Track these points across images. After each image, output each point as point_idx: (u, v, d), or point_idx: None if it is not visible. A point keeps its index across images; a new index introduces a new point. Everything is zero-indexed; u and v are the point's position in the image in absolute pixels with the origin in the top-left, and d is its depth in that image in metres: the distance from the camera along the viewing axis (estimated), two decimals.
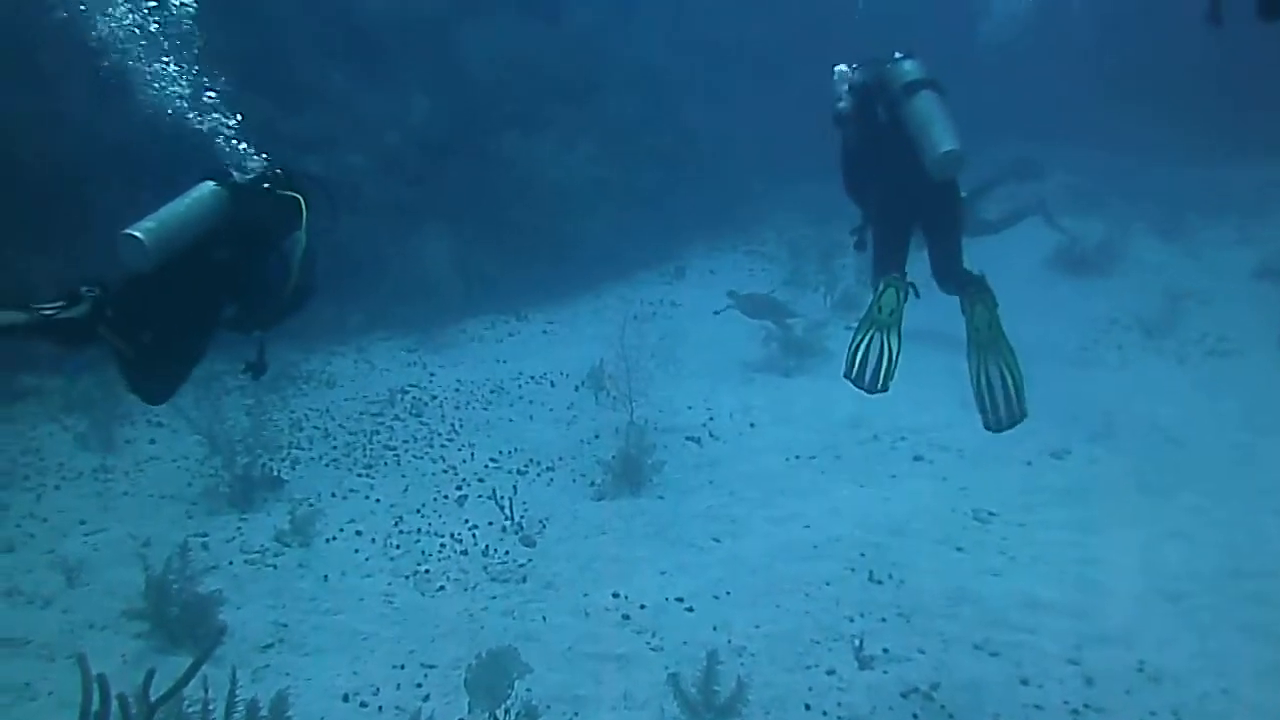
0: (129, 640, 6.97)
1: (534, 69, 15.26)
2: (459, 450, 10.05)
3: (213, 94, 5.79)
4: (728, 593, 7.68)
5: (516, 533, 8.53)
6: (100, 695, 5.14)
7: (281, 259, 5.47)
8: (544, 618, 7.40)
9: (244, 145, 5.72)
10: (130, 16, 5.84)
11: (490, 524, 8.65)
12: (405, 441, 10.22)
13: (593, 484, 9.42)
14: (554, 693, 6.54)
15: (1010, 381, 5.83)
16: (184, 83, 5.79)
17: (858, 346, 5.82)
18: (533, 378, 11.87)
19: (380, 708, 6.45)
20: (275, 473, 9.34)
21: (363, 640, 7.12)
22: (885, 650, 6.95)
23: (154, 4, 5.89)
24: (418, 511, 8.87)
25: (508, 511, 8.73)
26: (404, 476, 9.52)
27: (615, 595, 7.62)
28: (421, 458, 9.91)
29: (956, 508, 8.92)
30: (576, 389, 11.50)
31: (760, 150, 17.45)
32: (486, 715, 6.26)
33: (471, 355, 12.74)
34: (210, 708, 5.61)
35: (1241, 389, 11.19)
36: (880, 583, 7.80)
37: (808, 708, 6.45)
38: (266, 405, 10.57)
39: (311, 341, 12.09)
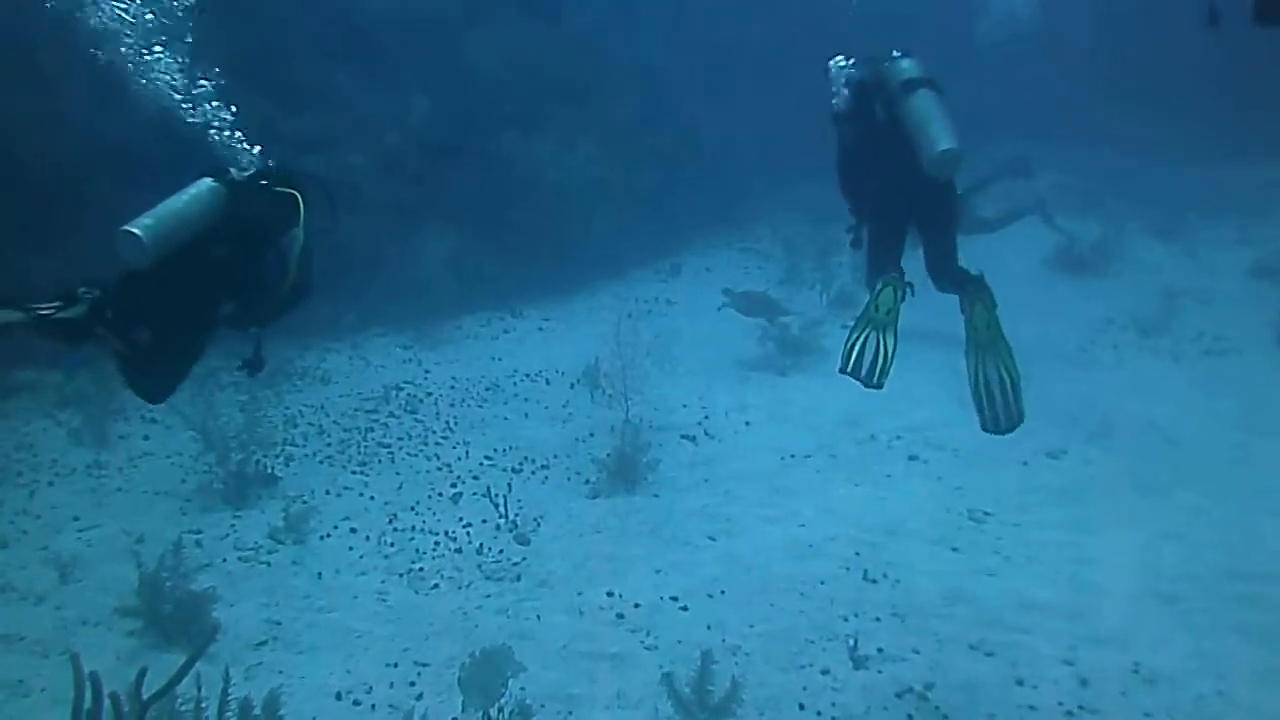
0: (122, 637, 6.96)
1: (534, 69, 15.22)
2: (454, 448, 10.03)
3: (205, 82, 5.77)
4: (722, 592, 7.67)
5: (511, 531, 8.52)
6: (93, 693, 5.13)
7: (279, 256, 5.47)
8: (538, 616, 7.38)
9: (239, 135, 5.71)
10: (124, 6, 5.82)
11: (485, 522, 8.64)
12: (400, 439, 10.20)
13: (587, 482, 9.40)
14: (548, 691, 6.53)
15: (1008, 382, 5.83)
16: (177, 75, 5.77)
17: (854, 344, 5.81)
18: (528, 375, 11.86)
19: (373, 706, 6.43)
20: (269, 469, 9.31)
21: (356, 638, 7.10)
22: (880, 650, 6.95)
23: None
24: (412, 509, 8.86)
25: (502, 509, 8.72)
26: (398, 474, 9.51)
27: (610, 594, 7.61)
28: (416, 455, 9.89)
29: (952, 507, 8.91)
30: (572, 387, 11.48)
31: (759, 150, 17.43)
32: (480, 714, 6.24)
33: (467, 352, 12.71)
34: (203, 706, 5.58)
35: (1238, 388, 11.18)
36: (875, 582, 7.79)
37: (802, 707, 6.44)
38: (261, 401, 10.55)
39: (307, 338, 12.06)
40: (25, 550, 7.99)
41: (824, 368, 11.39)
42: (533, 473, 9.60)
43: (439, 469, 9.60)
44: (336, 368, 12.00)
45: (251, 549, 8.20)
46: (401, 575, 7.91)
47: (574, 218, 14.50)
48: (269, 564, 8.03)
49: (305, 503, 8.82)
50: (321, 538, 8.39)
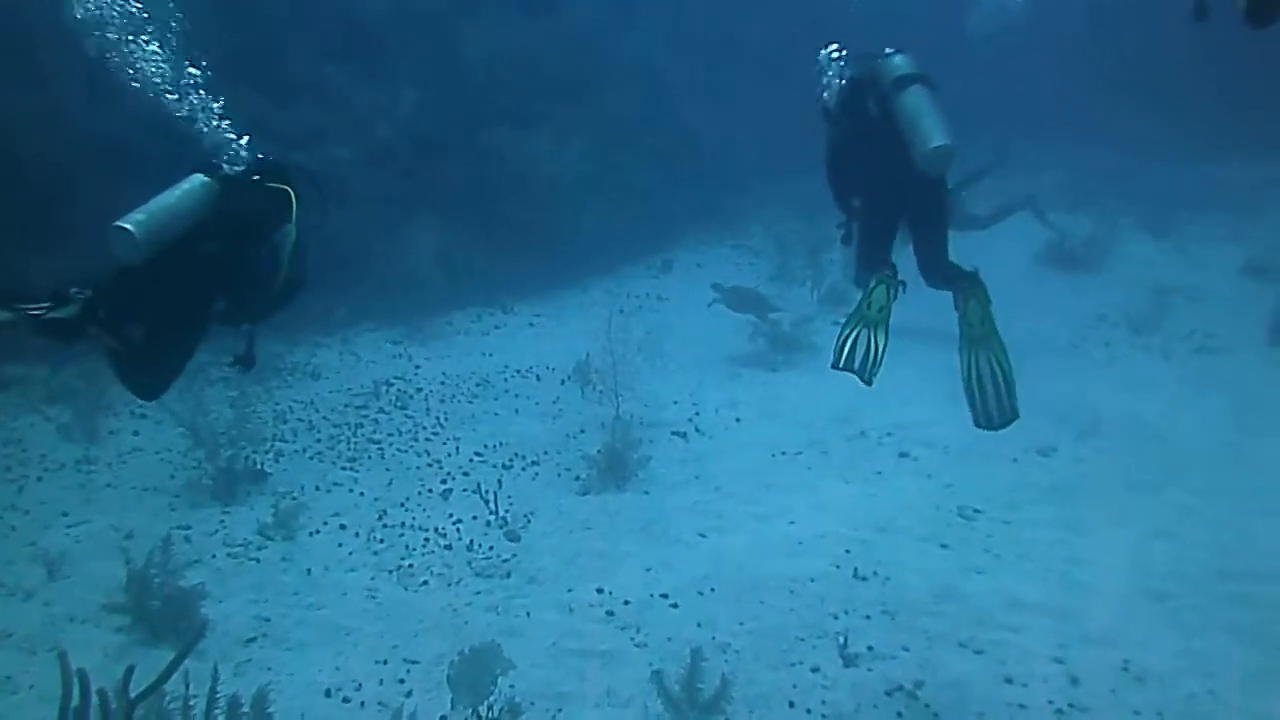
0: (110, 634, 6.93)
1: (528, 63, 15.18)
2: (444, 444, 10.00)
3: (194, 70, 5.75)
4: (712, 589, 7.66)
5: (501, 527, 8.50)
6: (80, 690, 5.10)
7: (272, 252, 5.47)
8: (528, 613, 7.37)
9: (227, 124, 5.69)
10: None
11: (475, 518, 8.62)
12: (390, 434, 10.18)
13: (578, 479, 9.38)
14: (537, 689, 6.51)
15: (1001, 377, 5.84)
16: (165, 65, 5.74)
17: (844, 341, 5.82)
18: (519, 371, 11.84)
19: (362, 703, 6.41)
20: (259, 465, 9.28)
21: (345, 635, 7.08)
22: (870, 648, 6.94)
23: None
24: (402, 505, 8.83)
25: (492, 506, 8.70)
26: (388, 470, 9.48)
27: (599, 591, 7.60)
28: (406, 451, 9.86)
29: (942, 505, 8.91)
30: (562, 383, 11.47)
31: (753, 147, 17.41)
32: (469, 712, 6.23)
33: (457, 348, 12.68)
34: (191, 703, 5.56)
35: (1229, 387, 11.17)
36: (865, 580, 7.79)
37: (792, 705, 6.43)
38: (250, 397, 10.51)
39: (296, 333, 12.01)
40: (13, 546, 7.95)
41: (815, 364, 11.40)
42: (523, 469, 9.59)
43: (429, 465, 9.58)
44: (326, 363, 11.97)
45: (241, 545, 8.17)
46: (391, 572, 7.89)
47: (565, 213, 14.50)
48: (258, 560, 8.00)
49: (295, 499, 8.80)
50: (311, 534, 8.37)
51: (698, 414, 10.77)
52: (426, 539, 8.33)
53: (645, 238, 15.63)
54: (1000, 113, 16.27)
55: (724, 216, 17.27)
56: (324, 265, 5.94)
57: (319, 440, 10.02)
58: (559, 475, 9.50)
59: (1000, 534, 8.46)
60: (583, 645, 7.01)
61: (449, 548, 8.22)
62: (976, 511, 8.78)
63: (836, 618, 7.29)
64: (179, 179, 5.17)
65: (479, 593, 7.64)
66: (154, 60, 5.74)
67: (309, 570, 7.87)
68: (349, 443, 9.97)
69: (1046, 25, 17.30)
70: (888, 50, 6.05)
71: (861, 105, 6.12)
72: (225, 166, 5.52)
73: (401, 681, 6.60)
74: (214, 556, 8.01)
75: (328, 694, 6.47)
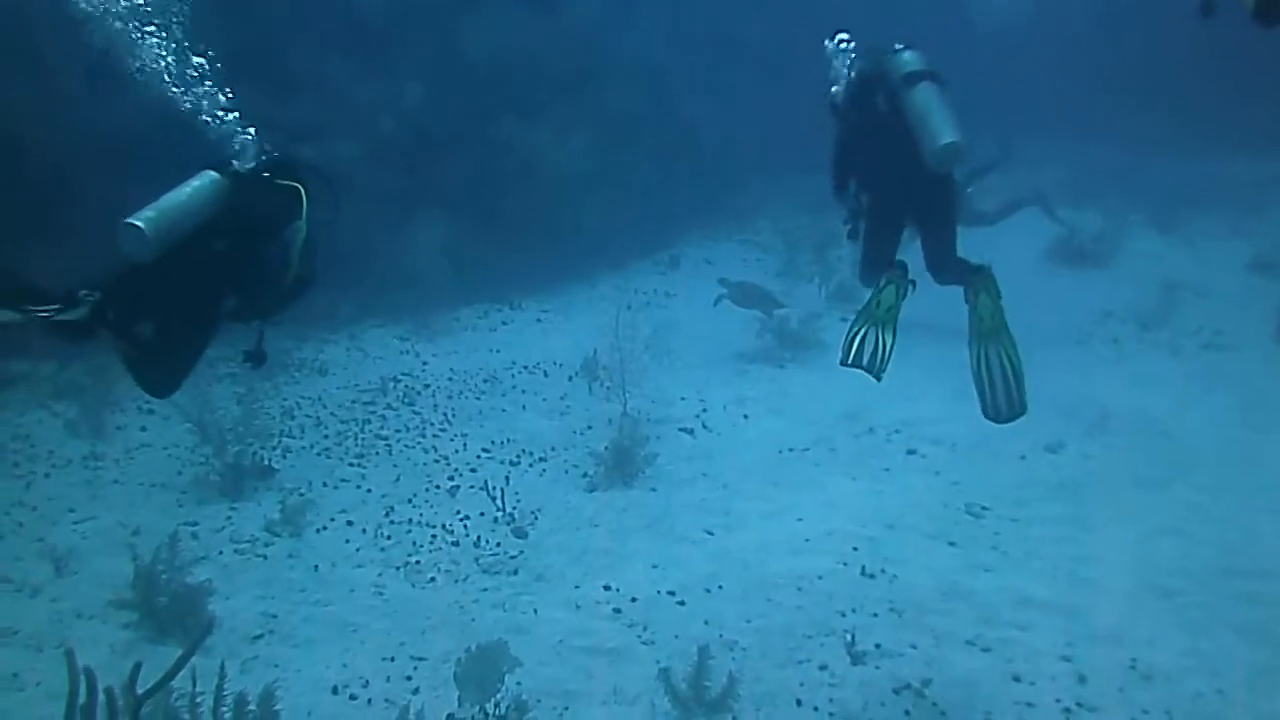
0: (117, 630, 6.94)
1: (532, 58, 15.15)
2: (451, 440, 10.00)
3: (200, 60, 5.75)
4: (720, 586, 7.65)
5: (508, 524, 8.50)
6: (87, 687, 5.10)
7: (282, 249, 5.48)
8: (535, 610, 7.37)
9: (234, 116, 5.69)
10: None
11: (482, 515, 8.62)
12: (397, 431, 10.18)
13: (585, 475, 9.38)
14: (544, 686, 6.51)
15: (1010, 371, 5.84)
16: (170, 58, 5.74)
17: (853, 339, 5.83)
18: (526, 367, 11.83)
19: (370, 700, 6.42)
20: (266, 461, 9.29)
21: (353, 632, 7.09)
22: (877, 646, 6.93)
23: None
24: (409, 502, 8.83)
25: (499, 502, 8.70)
26: (395, 466, 9.48)
27: (607, 588, 7.60)
28: (413, 447, 9.86)
29: (950, 502, 8.89)
30: (570, 379, 11.45)
31: (759, 142, 17.36)
32: (476, 709, 6.23)
33: (465, 344, 12.68)
34: (198, 700, 5.57)
35: (1236, 384, 11.14)
36: (873, 577, 7.77)
37: (799, 703, 6.42)
38: (258, 393, 10.49)
39: (304, 329, 12.01)
40: (21, 542, 7.96)
41: (823, 361, 11.38)
42: (530, 465, 9.58)
43: (436, 461, 9.58)
44: (334, 359, 11.98)
45: (248, 541, 8.18)
46: (398, 568, 7.89)
47: (570, 208, 14.44)
48: (265, 557, 8.01)
49: (302, 495, 8.80)
50: (318, 530, 8.37)
51: (705, 411, 10.76)
52: (434, 535, 8.33)
53: (652, 233, 15.62)
54: (1003, 109, 16.23)
55: (732, 212, 17.22)
56: (331, 261, 5.93)
57: (326, 436, 10.02)
58: (566, 472, 9.50)
59: (1008, 531, 8.44)
60: (590, 643, 7.00)
61: (456, 544, 8.22)
62: (984, 509, 8.76)
63: (844, 615, 7.27)
64: (190, 176, 5.16)
65: (486, 590, 7.64)
66: (158, 52, 5.73)
67: (316, 567, 7.87)
68: (356, 439, 9.97)
69: (1050, 22, 17.27)
70: (897, 46, 6.04)
71: (870, 101, 6.11)
72: (236, 164, 5.52)
73: (408, 678, 6.60)
74: (221, 553, 8.02)
75: (334, 691, 6.47)
